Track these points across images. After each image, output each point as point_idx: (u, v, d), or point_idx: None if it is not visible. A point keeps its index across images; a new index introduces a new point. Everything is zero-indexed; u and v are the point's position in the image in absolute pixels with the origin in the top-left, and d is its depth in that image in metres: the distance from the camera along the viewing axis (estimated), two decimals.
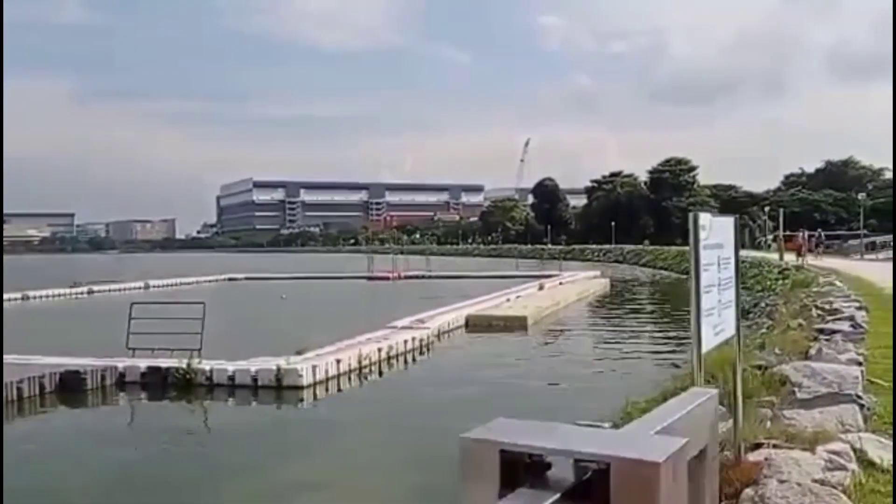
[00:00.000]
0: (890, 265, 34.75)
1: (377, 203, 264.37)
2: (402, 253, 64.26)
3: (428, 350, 20.55)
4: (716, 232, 4.48)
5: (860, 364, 8.98)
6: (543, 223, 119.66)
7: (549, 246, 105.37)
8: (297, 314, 30.47)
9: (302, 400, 14.90)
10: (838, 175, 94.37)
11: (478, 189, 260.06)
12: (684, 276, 52.04)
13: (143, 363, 16.15)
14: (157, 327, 17.36)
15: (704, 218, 4.23)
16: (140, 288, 50.03)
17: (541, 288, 36.30)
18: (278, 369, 15.16)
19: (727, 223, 4.84)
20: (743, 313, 18.09)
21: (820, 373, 7.84)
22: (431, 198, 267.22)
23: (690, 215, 4.08)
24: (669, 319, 28.05)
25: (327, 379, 15.82)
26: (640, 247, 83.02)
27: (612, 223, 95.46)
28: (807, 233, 39.73)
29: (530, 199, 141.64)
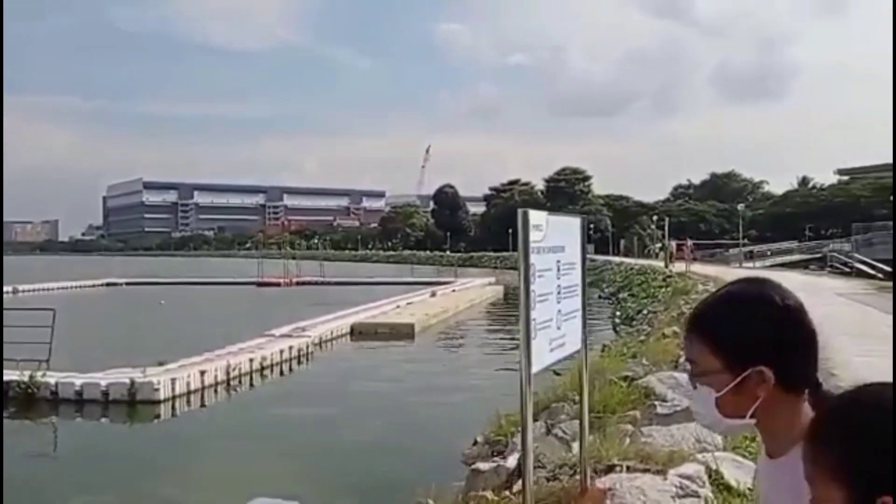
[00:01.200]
0: (769, 273, 36.16)
1: (275, 207, 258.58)
2: (294, 258, 62.41)
3: (307, 360, 19.61)
4: (554, 233, 3.93)
5: None
6: (443, 230, 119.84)
7: (448, 253, 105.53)
8: (172, 322, 28.84)
9: (158, 416, 13.71)
10: (721, 187, 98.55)
11: (379, 195, 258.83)
12: None
13: None
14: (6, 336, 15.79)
15: (538, 216, 3.66)
16: (8, 293, 46.65)
17: (433, 295, 35.83)
18: (132, 383, 13.91)
19: (571, 224, 4.31)
20: (627, 321, 18.02)
21: (683, 384, 7.50)
22: (331, 202, 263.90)
23: (520, 212, 3.50)
24: None
25: (189, 393, 14.67)
26: None
27: (510, 231, 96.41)
28: (675, 242, 40.93)
29: (431, 205, 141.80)
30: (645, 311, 22.78)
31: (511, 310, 35.65)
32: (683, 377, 7.84)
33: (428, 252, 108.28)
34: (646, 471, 5.17)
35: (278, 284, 51.26)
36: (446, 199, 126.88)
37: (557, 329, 3.98)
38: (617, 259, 56.38)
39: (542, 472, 5.83)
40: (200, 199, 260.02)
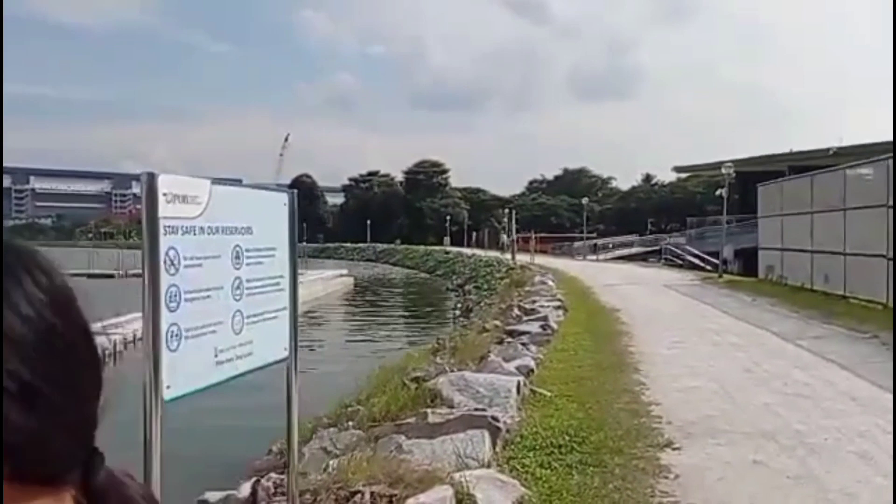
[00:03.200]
0: (608, 265, 37.14)
1: (122, 194, 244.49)
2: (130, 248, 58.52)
3: (114, 360, 17.83)
4: (228, 209, 3.03)
5: (530, 372, 8.23)
6: (300, 220, 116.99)
7: (305, 244, 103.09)
8: None
9: None
10: (573, 182, 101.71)
11: (235, 182, 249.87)
12: (428, 275, 52.67)
13: None
14: None
15: (182, 183, 2.73)
16: None
17: None
18: None
19: (266, 200, 3.42)
20: (466, 313, 17.39)
21: (473, 385, 6.84)
22: None
23: (143, 176, 2.56)
24: (399, 319, 27.43)
25: None
26: (392, 246, 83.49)
27: (368, 222, 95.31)
28: (521, 235, 41.70)
29: None
30: (482, 304, 22.47)
31: (360, 302, 34.73)
32: (476, 377, 7.19)
33: None
34: (391, 498, 4.39)
35: (112, 276, 47.79)
36: (303, 189, 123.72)
37: (235, 334, 3.08)
38: (469, 251, 56.56)
39: (279, 500, 4.95)
40: (37, 184, 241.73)
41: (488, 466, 4.81)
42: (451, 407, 6.50)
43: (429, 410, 5.78)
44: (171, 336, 2.66)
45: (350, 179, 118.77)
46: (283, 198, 3.52)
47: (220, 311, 2.98)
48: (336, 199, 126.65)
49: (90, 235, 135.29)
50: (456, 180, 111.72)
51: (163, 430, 2.55)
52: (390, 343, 18.92)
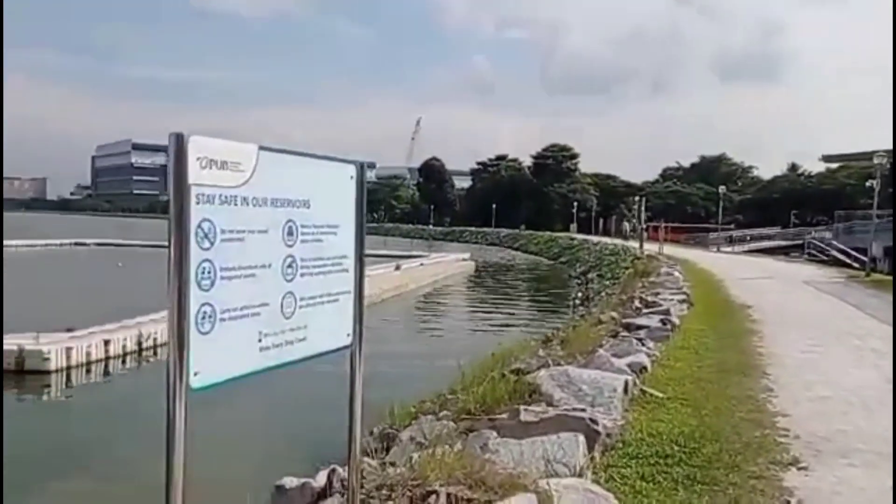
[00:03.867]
0: (744, 258, 35.13)
1: None
2: None
3: None
4: (280, 178, 2.73)
5: (642, 370, 7.64)
6: (428, 203, 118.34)
7: (431, 227, 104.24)
8: (118, 284, 27.60)
9: (48, 387, 12.53)
10: (711, 170, 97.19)
11: (369, 166, 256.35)
12: (551, 262, 51.83)
13: None
14: None
15: (221, 147, 2.43)
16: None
17: (397, 268, 34.62)
18: (20, 351, 12.71)
19: (328, 170, 3.09)
20: (586, 301, 16.82)
21: (576, 382, 6.35)
22: None
23: (171, 137, 2.28)
24: (516, 305, 27.00)
25: (88, 363, 13.48)
26: (517, 231, 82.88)
27: (494, 206, 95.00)
28: (652, 224, 40.18)
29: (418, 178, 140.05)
30: (603, 293, 21.66)
31: (479, 286, 34.57)
32: (580, 373, 6.70)
33: (411, 225, 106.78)
34: (468, 502, 4.03)
35: None
36: (432, 172, 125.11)
37: (285, 318, 2.78)
38: (595, 239, 55.20)
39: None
40: None
41: (580, 475, 4.35)
42: (550, 404, 6.05)
43: (521, 407, 5.36)
44: (203, 317, 2.38)
45: (478, 163, 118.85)
46: (349, 170, 3.19)
47: (266, 291, 2.68)
48: (464, 183, 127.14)
49: None
50: (586, 166, 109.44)
51: (187, 423, 2.28)
52: (505, 329, 18.55)
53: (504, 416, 5.84)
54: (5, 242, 47.08)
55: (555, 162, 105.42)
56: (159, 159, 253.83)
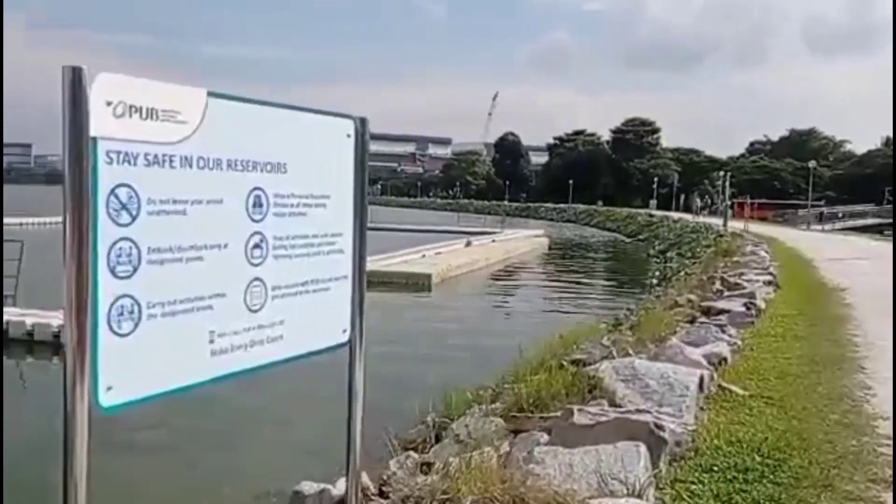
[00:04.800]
0: (835, 236, 33.15)
1: None
2: None
3: None
4: (247, 135, 2.14)
5: (721, 362, 6.83)
6: (503, 179, 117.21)
7: (506, 202, 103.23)
8: None
9: None
10: (800, 144, 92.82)
11: (445, 142, 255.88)
12: (628, 239, 50.32)
13: None
14: None
15: (143, 89, 1.85)
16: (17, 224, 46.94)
17: (468, 244, 34.06)
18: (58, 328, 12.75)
19: (318, 127, 2.48)
20: (664, 281, 15.85)
21: (643, 376, 5.62)
22: (397, 148, 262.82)
23: (64, 71, 1.70)
24: (589, 284, 26.07)
25: None
26: (593, 207, 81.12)
27: (571, 182, 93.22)
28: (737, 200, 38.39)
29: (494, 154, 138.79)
30: (682, 273, 20.55)
31: (550, 264, 33.69)
32: (649, 366, 5.96)
33: (486, 201, 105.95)
34: None
35: None
36: (508, 148, 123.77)
37: (250, 311, 2.20)
38: (676, 215, 53.29)
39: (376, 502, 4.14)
40: None
41: (639, 496, 3.66)
42: (612, 402, 5.35)
43: (575, 407, 4.68)
44: (120, 314, 1.82)
45: (555, 139, 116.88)
46: (344, 126, 2.57)
47: (220, 279, 2.10)
48: (540, 159, 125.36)
49: None
50: (668, 140, 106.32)
51: (90, 449, 1.73)
52: (576, 310, 17.74)
53: (557, 414, 5.19)
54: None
55: (635, 136, 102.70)
56: None
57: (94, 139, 1.74)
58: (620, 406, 5.28)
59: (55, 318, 13.04)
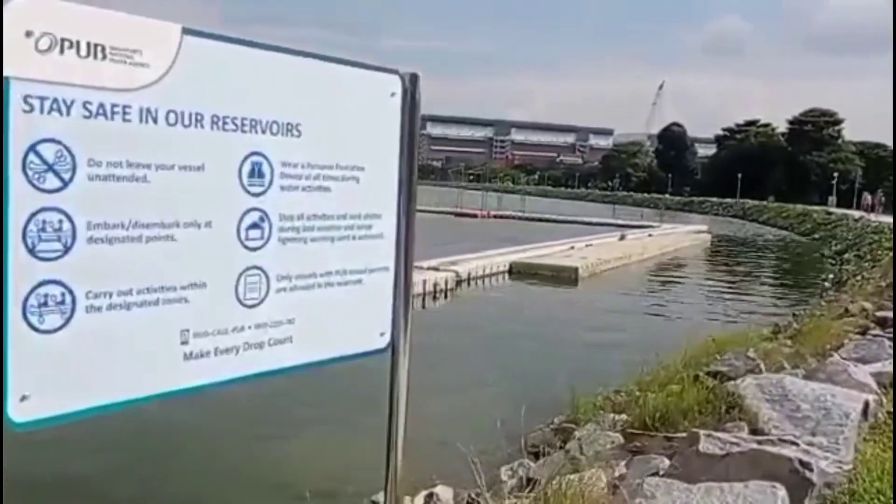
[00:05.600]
0: None
1: (502, 141, 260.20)
2: (498, 191, 61.25)
3: (445, 296, 18.06)
4: (242, 83, 1.71)
5: (890, 385, 5.76)
6: (666, 171, 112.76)
7: (668, 196, 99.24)
8: None
9: None
10: None
11: (607, 132, 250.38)
12: (802, 238, 46.66)
13: None
14: None
15: (83, 18, 1.45)
16: None
17: (622, 238, 32.77)
18: None
19: (350, 81, 2.00)
20: (837, 285, 14.37)
21: (795, 397, 4.78)
22: (558, 139, 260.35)
23: None
24: (751, 286, 24.22)
25: None
26: (763, 203, 76.14)
27: (740, 175, 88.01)
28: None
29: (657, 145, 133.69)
30: (860, 276, 18.50)
31: (710, 263, 31.73)
32: (798, 386, 5.08)
33: (646, 194, 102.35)
34: None
35: (475, 216, 50.47)
36: (672, 139, 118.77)
37: (244, 307, 1.77)
38: (857, 214, 48.84)
39: None
40: (433, 129, 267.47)
41: None
42: (753, 427, 4.56)
43: (702, 432, 3.96)
44: (42, 305, 1.44)
45: (724, 129, 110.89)
46: (387, 83, 2.07)
47: (200, 265, 1.68)
48: (707, 151, 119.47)
49: (470, 177, 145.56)
50: (851, 133, 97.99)
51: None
52: (732, 313, 16.38)
53: (683, 435, 4.48)
54: None
55: (814, 128, 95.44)
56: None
57: (7, 79, 1.35)
58: (762, 432, 4.49)
59: None
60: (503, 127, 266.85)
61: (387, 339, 2.15)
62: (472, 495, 3.98)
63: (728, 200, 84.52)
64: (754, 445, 3.77)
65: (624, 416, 5.72)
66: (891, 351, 6.74)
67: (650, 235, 36.09)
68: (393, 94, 2.09)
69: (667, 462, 4.14)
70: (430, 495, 3.88)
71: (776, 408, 4.78)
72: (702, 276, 26.44)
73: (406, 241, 2.15)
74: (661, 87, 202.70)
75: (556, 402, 8.22)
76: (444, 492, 4.03)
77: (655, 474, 4.04)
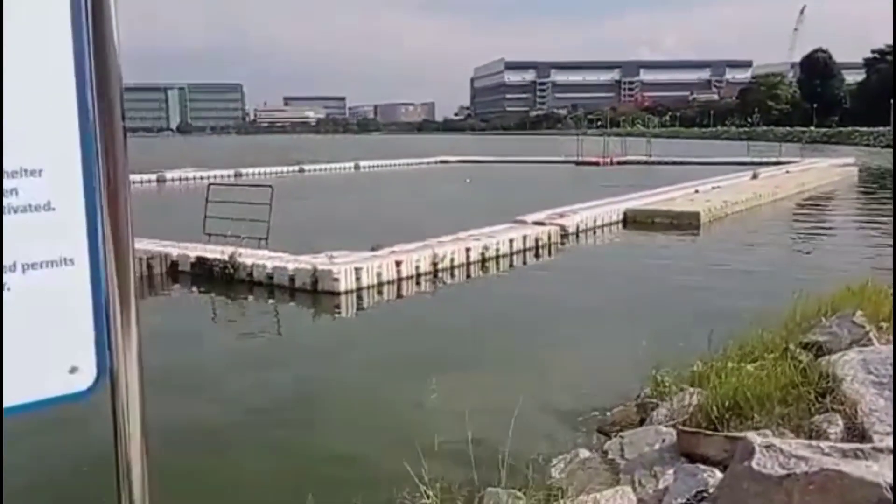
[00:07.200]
0: None
1: (630, 83, 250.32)
2: (621, 136, 58.56)
3: (550, 252, 17.01)
4: None
5: None
6: (810, 102, 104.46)
7: (812, 128, 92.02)
8: (458, 201, 28.10)
9: (338, 308, 12.37)
10: None
11: (745, 65, 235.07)
12: None
13: (194, 253, 14.58)
14: (241, 213, 15.97)
15: None
16: (349, 168, 50.94)
17: (754, 177, 30.25)
18: (314, 270, 12.75)
19: None
20: None
21: None
22: (691, 76, 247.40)
23: None
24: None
25: (378, 285, 13.12)
26: None
27: (893, 101, 79.99)
28: None
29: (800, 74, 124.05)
30: None
31: (855, 201, 28.72)
32: None
33: (788, 128, 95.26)
34: None
35: (597, 164, 48.53)
36: (816, 67, 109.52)
37: None
38: None
39: None
40: (557, 77, 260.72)
41: None
42: (851, 422, 3.44)
43: (757, 441, 2.90)
44: None
45: (873, 52, 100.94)
46: None
47: None
48: (856, 77, 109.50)
49: (594, 123, 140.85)
50: None
51: None
52: (871, 260, 14.40)
53: (746, 434, 3.42)
54: (386, 162, 53.06)
55: None
56: (529, 76, 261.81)
57: None
58: (862, 429, 3.39)
59: (291, 264, 13.24)
60: (631, 68, 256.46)
61: (88, 376, 1.33)
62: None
63: (880, 129, 77.17)
64: (828, 464, 2.69)
65: (696, 400, 4.65)
66: None
67: (787, 172, 33.15)
68: None
69: (718, 475, 3.13)
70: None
71: (884, 393, 3.62)
72: (844, 217, 23.86)
73: (115, 231, 1.31)
74: (802, 10, 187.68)
75: (643, 371, 7.18)
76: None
77: (701, 495, 3.05)
